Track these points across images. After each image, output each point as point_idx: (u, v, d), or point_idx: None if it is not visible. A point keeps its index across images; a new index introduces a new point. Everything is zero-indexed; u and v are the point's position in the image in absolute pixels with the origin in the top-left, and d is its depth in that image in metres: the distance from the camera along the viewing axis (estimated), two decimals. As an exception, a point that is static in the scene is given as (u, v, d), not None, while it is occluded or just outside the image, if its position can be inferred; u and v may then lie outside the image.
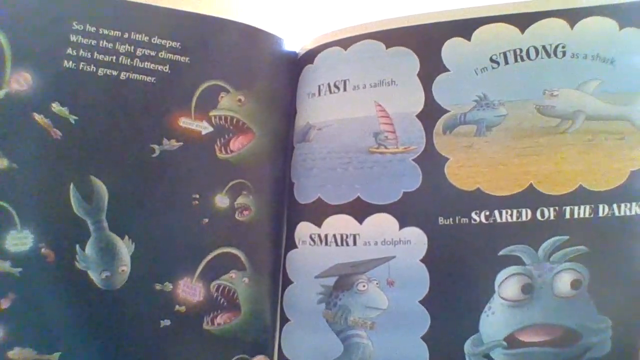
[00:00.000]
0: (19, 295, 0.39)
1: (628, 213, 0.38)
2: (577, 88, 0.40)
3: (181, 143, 0.43)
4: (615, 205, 0.38)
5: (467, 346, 0.40)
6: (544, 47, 0.40)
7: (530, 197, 0.39)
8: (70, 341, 0.40)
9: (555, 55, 0.40)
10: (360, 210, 0.43)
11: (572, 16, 0.40)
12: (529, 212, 0.39)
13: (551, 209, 0.39)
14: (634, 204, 0.38)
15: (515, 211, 0.40)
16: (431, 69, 0.42)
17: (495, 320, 0.40)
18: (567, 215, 0.39)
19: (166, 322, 0.42)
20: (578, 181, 0.39)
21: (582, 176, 0.39)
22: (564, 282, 0.39)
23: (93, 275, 0.41)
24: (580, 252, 0.39)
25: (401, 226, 0.42)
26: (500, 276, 0.40)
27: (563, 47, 0.40)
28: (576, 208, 0.39)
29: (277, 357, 0.45)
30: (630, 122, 0.39)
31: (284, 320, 0.45)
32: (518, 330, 0.39)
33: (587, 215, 0.39)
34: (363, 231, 0.42)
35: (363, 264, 0.42)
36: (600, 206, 0.38)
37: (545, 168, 0.39)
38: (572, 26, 0.40)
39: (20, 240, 0.39)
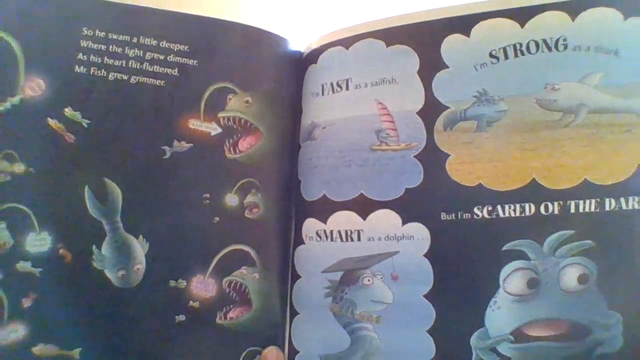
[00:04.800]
0: (40, 294, 0.37)
1: (636, 207, 0.33)
2: (580, 81, 0.35)
3: (191, 144, 0.40)
4: (622, 199, 0.34)
5: (474, 340, 0.36)
6: (544, 40, 0.36)
7: (533, 192, 0.35)
8: (89, 337, 0.38)
9: (557, 48, 0.36)
10: (363, 206, 0.39)
11: (573, 8, 0.35)
12: (532, 206, 0.35)
13: (555, 204, 0.35)
14: (642, 197, 0.33)
15: (518, 206, 0.35)
16: (431, 66, 0.38)
17: (501, 315, 0.35)
18: (572, 210, 0.34)
19: (181, 318, 0.39)
20: (582, 175, 0.34)
21: (587, 170, 0.34)
22: (570, 277, 0.34)
23: (109, 274, 0.38)
24: (586, 247, 0.34)
25: (404, 222, 0.38)
26: (505, 271, 0.35)
27: (564, 40, 0.35)
28: (581, 202, 0.34)
29: (288, 349, 0.42)
30: (636, 114, 0.34)
31: (294, 313, 0.42)
32: (525, 325, 0.35)
33: (592, 209, 0.34)
34: (367, 227, 0.39)
35: (367, 259, 0.39)
36: (607, 200, 0.34)
37: (548, 162, 0.35)
38: (573, 18, 0.35)
39: (39, 241, 0.37)
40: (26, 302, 0.36)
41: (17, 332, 0.36)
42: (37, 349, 0.36)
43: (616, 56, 0.34)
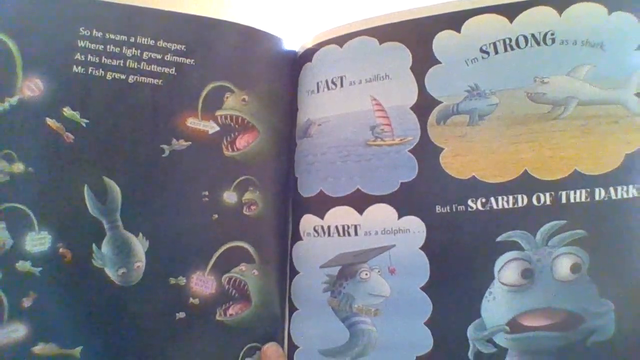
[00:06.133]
0: (40, 294, 0.36)
1: (625, 196, 0.34)
2: (568, 74, 0.36)
3: (189, 143, 0.40)
4: (611, 189, 0.34)
5: (470, 331, 0.36)
6: (533, 35, 0.36)
7: (526, 183, 0.35)
8: (90, 336, 0.37)
9: (545, 42, 0.36)
10: (360, 201, 0.39)
11: (560, 3, 0.36)
12: (525, 198, 0.35)
13: (547, 194, 0.35)
14: (630, 186, 0.34)
15: (511, 197, 0.36)
16: (423, 61, 0.38)
17: (496, 305, 0.36)
18: (564, 200, 0.35)
19: (181, 315, 0.39)
20: (573, 166, 0.35)
21: (577, 161, 0.35)
22: (563, 266, 0.35)
23: (110, 272, 0.38)
24: (578, 236, 0.34)
25: (400, 215, 0.38)
26: (500, 262, 0.36)
27: (552, 34, 0.36)
28: (572, 192, 0.35)
29: (287, 344, 0.42)
30: (623, 105, 0.34)
31: (292, 308, 0.42)
32: (520, 315, 0.35)
33: (583, 199, 0.34)
34: (363, 221, 0.39)
35: (364, 253, 0.39)
36: (597, 190, 0.34)
37: (539, 154, 0.35)
38: (560, 13, 0.36)
39: (39, 241, 0.36)
40: (26, 302, 0.36)
41: (17, 331, 0.35)
42: (38, 349, 0.36)
43: (602, 49, 0.35)
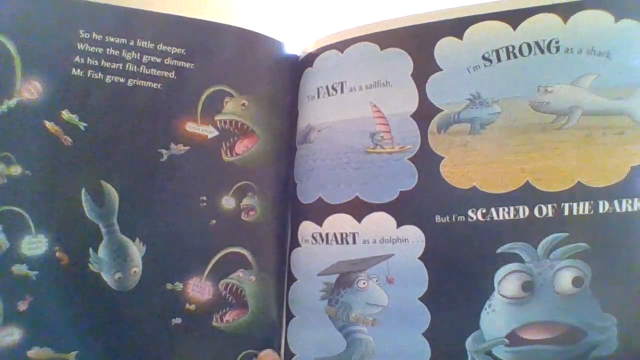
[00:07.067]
0: (36, 297, 0.36)
1: (630, 209, 0.33)
2: (573, 83, 0.35)
3: (188, 147, 0.40)
4: (616, 202, 0.33)
5: (469, 343, 0.35)
6: (536, 43, 0.35)
7: (527, 195, 0.35)
8: (86, 340, 0.37)
9: (549, 50, 0.35)
10: (358, 209, 0.39)
11: (565, 10, 0.35)
12: (527, 209, 0.35)
13: (549, 206, 0.34)
14: (635, 200, 0.33)
15: (512, 208, 0.35)
16: (424, 68, 0.38)
17: (495, 318, 0.35)
18: (566, 212, 0.34)
19: (177, 320, 0.39)
20: (576, 177, 0.34)
21: (580, 172, 0.34)
22: (565, 280, 0.34)
23: (106, 277, 0.38)
24: (581, 249, 0.34)
25: (399, 224, 0.38)
26: (500, 273, 0.35)
27: (556, 42, 0.35)
28: (575, 205, 0.34)
29: (284, 351, 0.41)
30: (629, 116, 0.34)
31: (290, 316, 0.42)
32: (520, 328, 0.34)
33: (586, 212, 0.34)
34: (362, 230, 0.39)
35: (363, 262, 0.38)
36: (600, 202, 0.33)
37: (542, 165, 0.35)
38: (565, 21, 0.35)
39: (36, 244, 0.36)
40: (22, 305, 0.35)
41: (12, 335, 0.35)
42: (33, 353, 0.36)
43: (608, 58, 0.34)
